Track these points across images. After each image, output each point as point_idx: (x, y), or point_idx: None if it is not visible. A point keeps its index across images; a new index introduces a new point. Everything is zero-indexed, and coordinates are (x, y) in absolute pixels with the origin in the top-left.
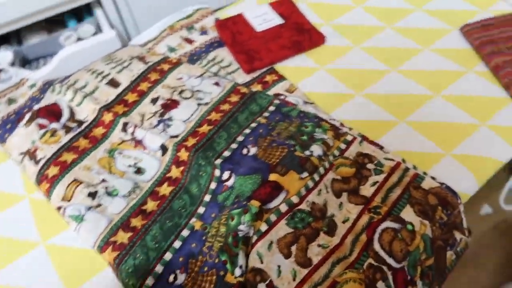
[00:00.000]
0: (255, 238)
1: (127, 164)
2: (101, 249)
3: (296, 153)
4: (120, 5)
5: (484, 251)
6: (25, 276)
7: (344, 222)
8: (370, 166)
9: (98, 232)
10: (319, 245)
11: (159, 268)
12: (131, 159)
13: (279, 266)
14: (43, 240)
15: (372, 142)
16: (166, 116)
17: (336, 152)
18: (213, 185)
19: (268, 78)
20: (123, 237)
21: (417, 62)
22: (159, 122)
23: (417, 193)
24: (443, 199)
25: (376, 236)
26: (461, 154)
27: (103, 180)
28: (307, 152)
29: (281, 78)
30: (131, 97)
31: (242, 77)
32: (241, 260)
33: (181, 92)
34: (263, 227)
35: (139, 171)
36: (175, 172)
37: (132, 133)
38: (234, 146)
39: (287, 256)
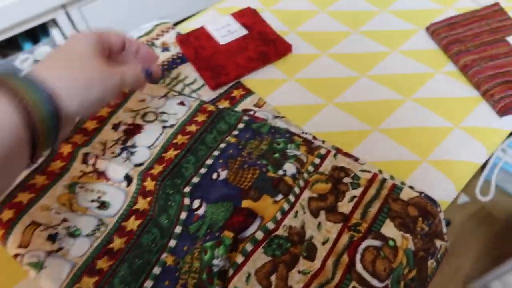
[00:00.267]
0: (231, 271)
1: (90, 199)
2: None
3: (268, 174)
4: (77, 24)
5: (465, 240)
6: None
7: (324, 243)
8: (346, 180)
9: (60, 279)
10: (299, 272)
11: None
12: (94, 193)
13: None
14: None
15: (346, 154)
16: (129, 143)
17: (311, 168)
18: (183, 215)
19: (236, 93)
20: (88, 282)
21: (386, 66)
22: (122, 150)
23: (397, 205)
24: (423, 209)
25: (358, 256)
26: (437, 160)
27: (64, 220)
28: (280, 172)
29: (249, 92)
30: (90, 125)
31: (208, 94)
32: None
33: (144, 115)
34: (239, 258)
35: (103, 205)
36: (142, 204)
37: (94, 164)
38: (203, 170)
39: (267, 287)
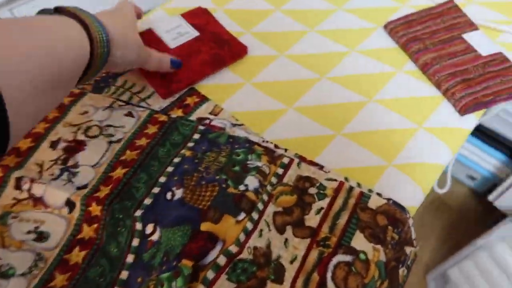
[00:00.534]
0: None
1: (25, 230)
2: None
3: (229, 190)
4: None
5: (422, 230)
6: None
7: (292, 262)
8: (312, 190)
9: None
10: None
11: None
12: (30, 223)
13: None
14: None
15: (311, 162)
16: (70, 163)
17: (274, 180)
18: (135, 242)
19: (189, 100)
20: None
21: (346, 66)
22: (62, 171)
23: (365, 215)
24: (392, 217)
25: (329, 274)
26: (403, 164)
27: None
28: (242, 187)
29: (204, 99)
30: (24, 144)
31: (159, 103)
32: None
33: (87, 129)
34: None
35: (41, 237)
36: (87, 232)
37: (29, 190)
38: (156, 190)
39: None
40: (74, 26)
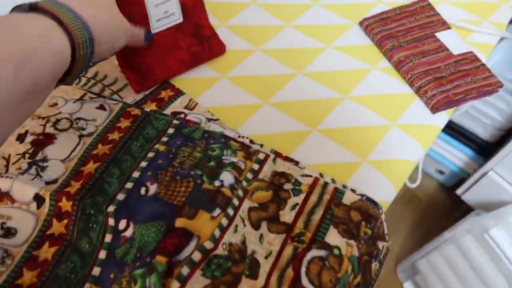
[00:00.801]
0: None
1: None
2: None
3: (204, 186)
4: None
5: (393, 222)
6: None
7: (266, 257)
8: (287, 186)
9: None
10: None
11: None
12: None
13: None
14: None
15: (286, 158)
16: (39, 156)
17: (250, 175)
18: (108, 238)
19: (164, 94)
20: None
21: (322, 62)
22: (30, 165)
23: (340, 211)
24: (365, 213)
25: (303, 269)
26: (376, 160)
27: None
28: (217, 183)
29: (179, 92)
30: None
31: (132, 96)
32: None
33: (56, 122)
34: (175, 285)
35: (8, 233)
36: (57, 228)
37: None
38: (129, 185)
39: None
40: (53, 28)
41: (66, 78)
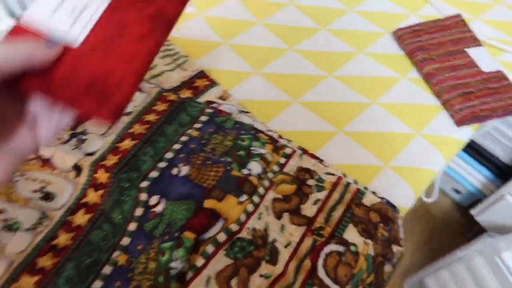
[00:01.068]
0: (190, 274)
1: (32, 189)
2: None
3: (233, 173)
4: None
5: (406, 235)
6: None
7: (286, 246)
8: (311, 182)
9: None
10: (261, 275)
11: None
12: (37, 182)
13: None
14: None
15: (312, 155)
16: (79, 129)
17: (276, 168)
18: (139, 212)
19: (199, 82)
20: (28, 282)
21: (353, 67)
22: (71, 136)
23: (360, 210)
24: (384, 215)
25: (320, 261)
26: (398, 166)
27: (1, 211)
28: (245, 171)
29: (213, 83)
30: None
31: (169, 82)
32: None
33: None
34: (199, 261)
35: (47, 197)
36: (92, 197)
37: (38, 151)
38: (162, 165)
39: None
40: None
41: None
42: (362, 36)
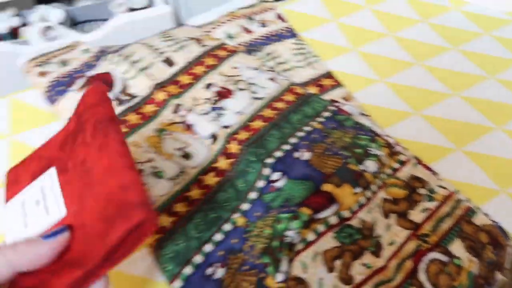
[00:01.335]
0: (300, 246)
1: (175, 147)
2: None
3: (350, 166)
4: None
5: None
6: None
7: (390, 244)
8: (422, 191)
9: None
10: (363, 264)
11: (198, 258)
12: (179, 142)
13: (320, 279)
14: None
15: (426, 167)
16: (219, 105)
17: (389, 171)
18: (260, 184)
19: (325, 82)
20: (165, 220)
21: (481, 90)
22: (212, 109)
23: (469, 228)
24: (494, 238)
25: (422, 265)
26: None
27: (150, 160)
28: (362, 167)
29: (339, 84)
30: (185, 79)
31: (298, 77)
32: (284, 266)
33: (236, 82)
34: (311, 236)
35: (186, 156)
36: (223, 164)
37: (183, 116)
38: (286, 147)
39: (330, 269)
40: None
41: None
42: (494, 61)
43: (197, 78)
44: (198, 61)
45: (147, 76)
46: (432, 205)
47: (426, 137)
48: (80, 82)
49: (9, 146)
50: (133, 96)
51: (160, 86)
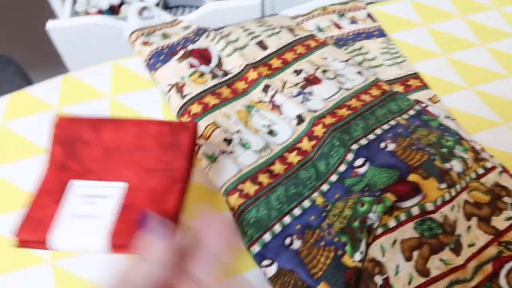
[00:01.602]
0: (380, 230)
1: (261, 123)
2: (228, 193)
3: (435, 163)
4: None
5: None
6: None
7: (469, 246)
8: (507, 199)
9: (227, 177)
10: (441, 260)
11: (277, 228)
12: (266, 120)
13: (397, 266)
14: None
15: None
16: (307, 90)
17: (473, 175)
18: (342, 168)
19: (412, 82)
20: (250, 188)
21: None
22: (299, 93)
23: None
24: None
25: (504, 271)
26: None
27: (239, 131)
28: (447, 165)
29: (425, 86)
30: (275, 63)
31: (385, 74)
32: (362, 247)
33: (324, 71)
34: (392, 223)
35: (271, 133)
36: (305, 145)
37: (272, 97)
38: (371, 137)
39: (408, 259)
40: None
41: None
42: None
43: (287, 63)
44: (289, 47)
45: (241, 55)
46: None
47: None
48: (180, 53)
49: (110, 105)
50: (226, 72)
51: (252, 66)
